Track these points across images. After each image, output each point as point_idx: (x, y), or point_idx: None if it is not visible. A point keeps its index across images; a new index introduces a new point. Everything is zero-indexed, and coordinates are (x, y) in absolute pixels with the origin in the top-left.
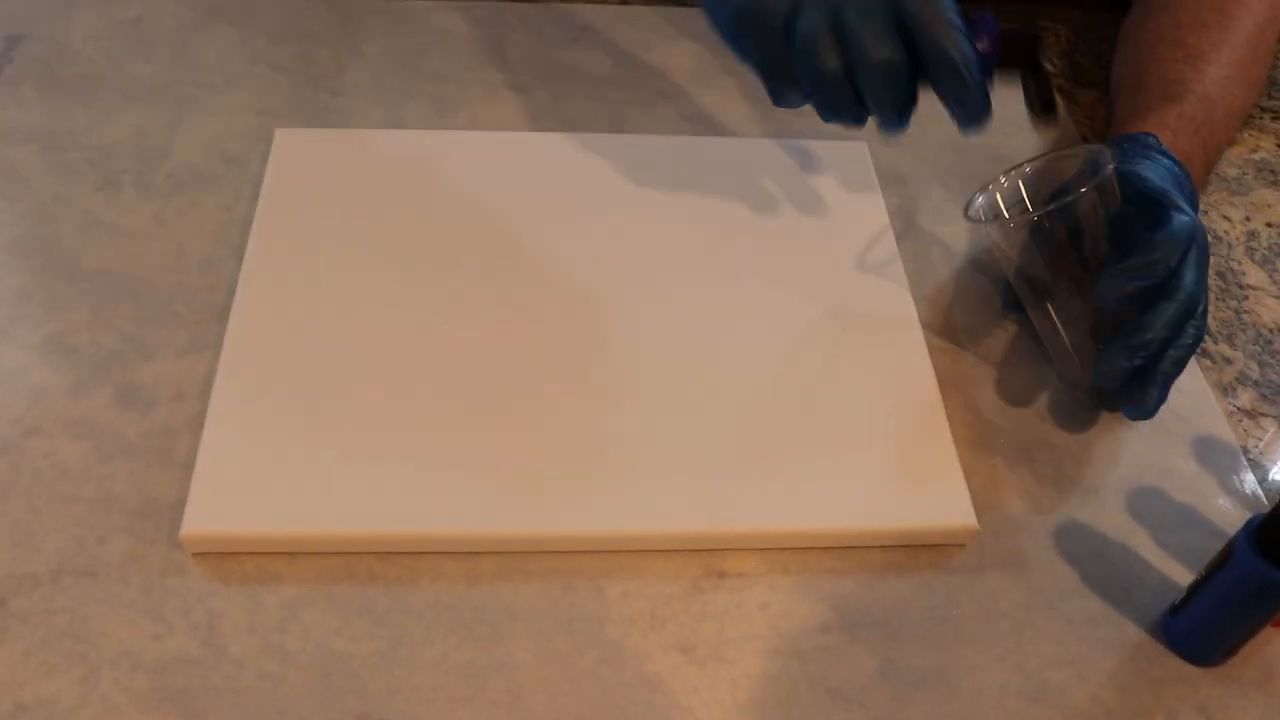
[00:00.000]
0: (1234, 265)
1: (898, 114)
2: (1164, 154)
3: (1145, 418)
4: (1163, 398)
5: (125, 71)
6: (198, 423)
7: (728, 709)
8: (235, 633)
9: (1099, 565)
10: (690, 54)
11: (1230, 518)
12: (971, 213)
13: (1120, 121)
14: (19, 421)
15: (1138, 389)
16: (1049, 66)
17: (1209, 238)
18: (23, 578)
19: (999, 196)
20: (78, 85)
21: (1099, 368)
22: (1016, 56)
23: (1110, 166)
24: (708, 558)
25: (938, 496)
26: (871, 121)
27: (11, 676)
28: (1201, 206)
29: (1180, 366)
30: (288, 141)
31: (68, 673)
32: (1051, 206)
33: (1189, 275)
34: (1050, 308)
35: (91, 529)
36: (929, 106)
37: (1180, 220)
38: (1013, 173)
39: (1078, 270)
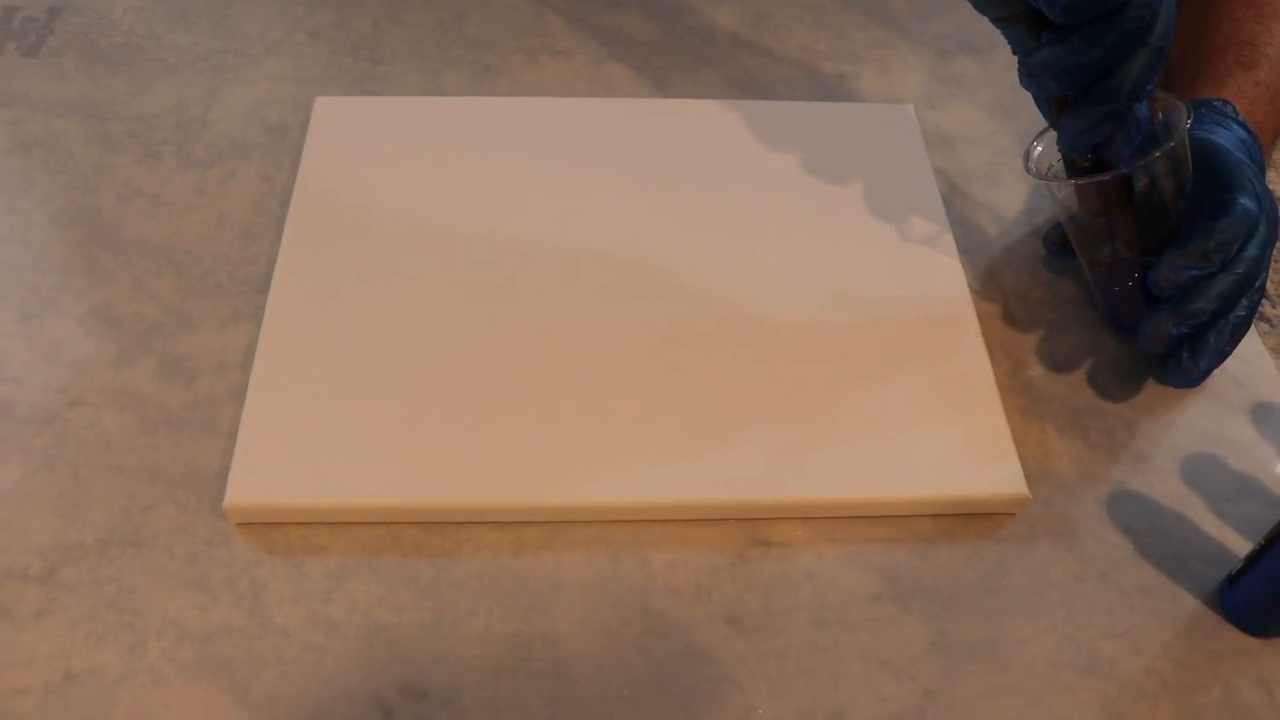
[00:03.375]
0: None
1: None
2: (1239, 123)
3: (1188, 386)
4: (1211, 368)
5: (165, 42)
6: (240, 393)
7: (774, 681)
8: (280, 603)
9: (1153, 535)
10: (733, 17)
11: None
12: (1031, 164)
13: (1191, 82)
14: (64, 392)
15: (1188, 357)
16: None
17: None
18: (70, 548)
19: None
20: (118, 56)
21: (1145, 330)
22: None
23: (1187, 123)
24: (753, 527)
25: (987, 464)
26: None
27: (60, 646)
28: None
29: (1236, 338)
30: (327, 110)
31: (115, 642)
32: (1123, 170)
33: (1251, 250)
34: (1102, 258)
35: (136, 499)
36: (975, 70)
37: (1244, 208)
38: None
39: (1136, 227)
